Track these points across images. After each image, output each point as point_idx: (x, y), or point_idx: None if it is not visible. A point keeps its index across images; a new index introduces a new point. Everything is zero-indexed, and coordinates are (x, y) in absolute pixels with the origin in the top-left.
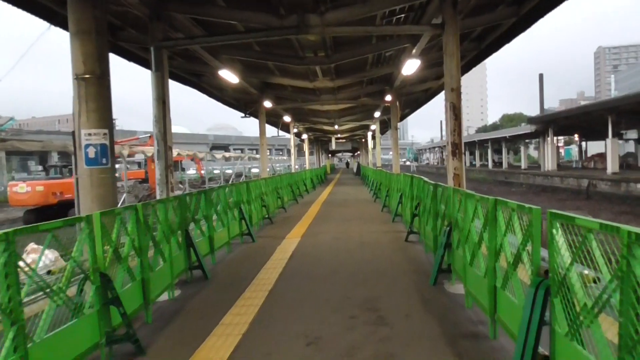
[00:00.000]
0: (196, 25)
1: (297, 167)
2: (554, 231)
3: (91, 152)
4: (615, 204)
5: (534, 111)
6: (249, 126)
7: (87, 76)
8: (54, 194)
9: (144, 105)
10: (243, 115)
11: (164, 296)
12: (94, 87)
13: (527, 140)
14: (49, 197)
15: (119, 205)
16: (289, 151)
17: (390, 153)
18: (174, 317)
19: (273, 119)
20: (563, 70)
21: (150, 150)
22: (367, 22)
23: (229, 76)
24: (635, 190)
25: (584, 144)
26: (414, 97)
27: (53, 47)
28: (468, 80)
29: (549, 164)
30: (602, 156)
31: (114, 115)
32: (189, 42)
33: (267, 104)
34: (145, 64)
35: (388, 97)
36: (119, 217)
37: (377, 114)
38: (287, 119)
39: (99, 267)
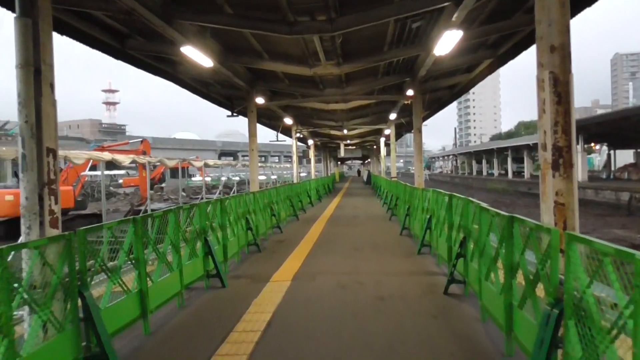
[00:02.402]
0: None
1: (304, 174)
2: None
3: None
4: None
5: None
6: (259, 133)
7: None
8: None
9: (155, 111)
10: (230, 114)
11: None
12: None
13: None
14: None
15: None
16: (299, 159)
17: (401, 161)
18: None
19: (273, 122)
20: (576, 79)
21: (108, 157)
22: None
23: (197, 56)
24: None
25: (612, 152)
26: (436, 96)
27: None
28: (480, 87)
29: (579, 175)
30: (636, 166)
31: (123, 122)
32: None
33: (260, 100)
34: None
35: (409, 92)
36: None
37: (392, 116)
38: (288, 121)
39: None
